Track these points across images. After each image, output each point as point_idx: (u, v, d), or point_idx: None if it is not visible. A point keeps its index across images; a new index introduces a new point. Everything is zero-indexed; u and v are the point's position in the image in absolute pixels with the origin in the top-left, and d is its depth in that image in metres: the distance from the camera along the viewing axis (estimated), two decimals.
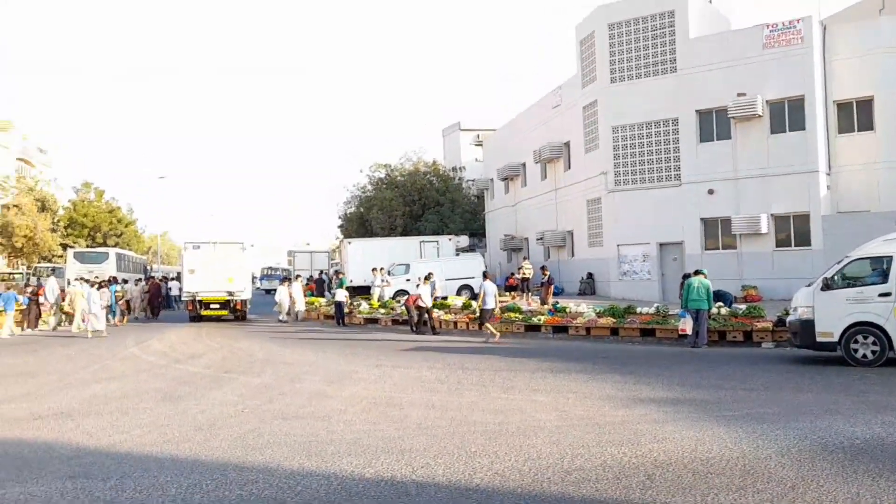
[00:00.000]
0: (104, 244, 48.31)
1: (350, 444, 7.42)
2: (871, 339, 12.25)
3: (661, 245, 26.79)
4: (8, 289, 25.01)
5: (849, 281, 12.80)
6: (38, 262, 44.32)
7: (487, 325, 18.45)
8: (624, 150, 27.39)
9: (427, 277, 21.85)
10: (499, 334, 18.54)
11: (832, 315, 12.57)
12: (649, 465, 6.45)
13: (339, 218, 54.95)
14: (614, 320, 18.47)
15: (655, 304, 19.77)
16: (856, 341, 12.37)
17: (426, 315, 20.92)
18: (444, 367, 13.44)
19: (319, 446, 7.37)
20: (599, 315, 19.02)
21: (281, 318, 26.97)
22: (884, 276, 12.27)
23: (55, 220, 48.20)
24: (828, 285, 12.78)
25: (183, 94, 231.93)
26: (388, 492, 5.86)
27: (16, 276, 42.47)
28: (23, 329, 23.77)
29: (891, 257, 12.20)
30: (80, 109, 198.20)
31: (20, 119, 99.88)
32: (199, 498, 5.78)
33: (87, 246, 46.53)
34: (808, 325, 12.88)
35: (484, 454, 6.93)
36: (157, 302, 31.69)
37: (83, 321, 21.95)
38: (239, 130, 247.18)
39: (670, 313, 18.20)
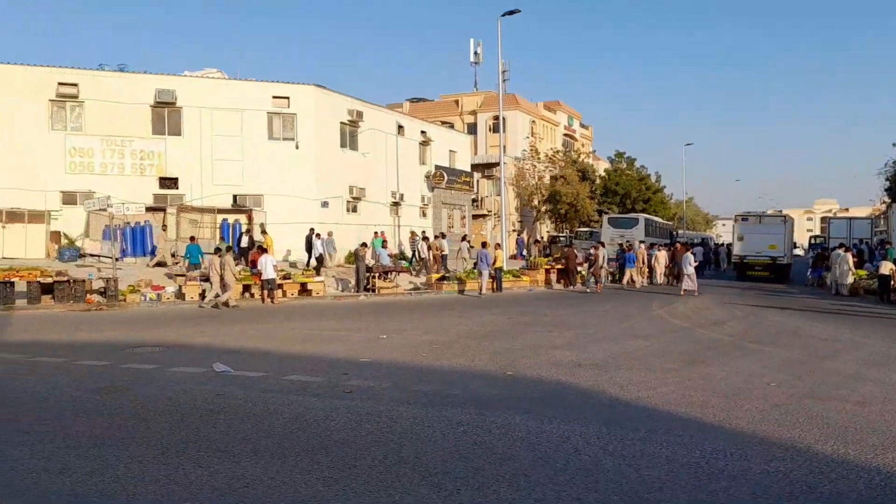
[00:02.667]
0: (632, 210, 51.43)
1: None
2: None
3: None
4: (628, 249, 29.17)
5: None
6: (578, 227, 49.60)
7: None
8: None
9: None
10: None
11: None
12: None
13: (887, 180, 47.85)
14: None
15: None
16: None
17: None
18: None
19: (858, 434, 6.64)
20: None
21: (842, 290, 24.66)
22: None
23: (593, 189, 53.17)
24: None
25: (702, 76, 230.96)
26: None
27: (561, 238, 48.50)
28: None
29: None
30: (617, 87, 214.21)
31: (566, 99, 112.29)
32: (723, 465, 5.78)
33: (619, 212, 50.23)
34: None
35: None
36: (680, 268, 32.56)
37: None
38: (763, 97, 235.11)
39: None
